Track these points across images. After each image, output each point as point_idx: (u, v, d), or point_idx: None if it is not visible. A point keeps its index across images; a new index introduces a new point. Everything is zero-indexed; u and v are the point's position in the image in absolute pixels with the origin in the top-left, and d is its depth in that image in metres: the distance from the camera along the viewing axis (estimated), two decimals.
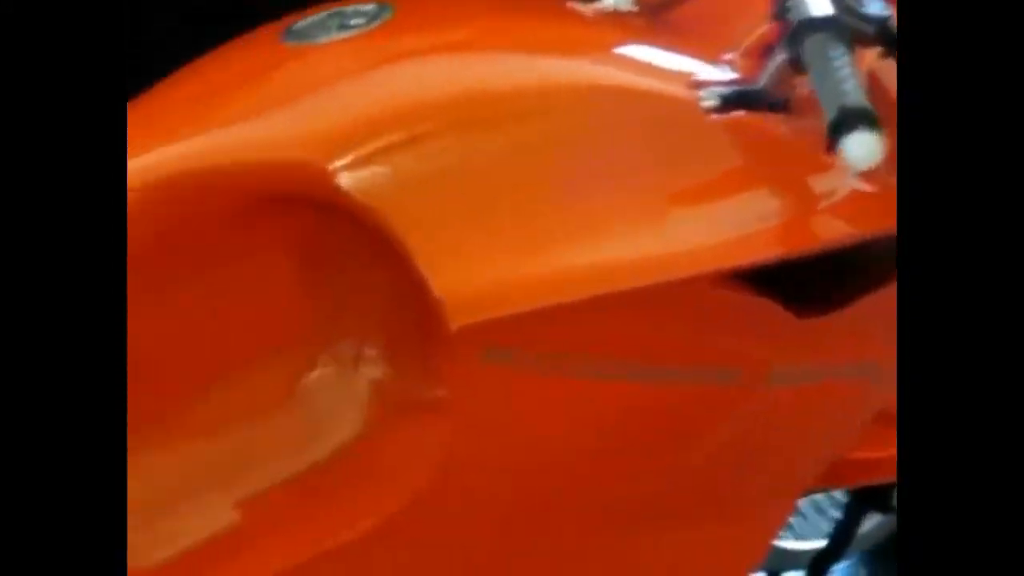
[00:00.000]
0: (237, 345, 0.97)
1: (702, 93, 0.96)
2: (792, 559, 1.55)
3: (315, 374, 0.97)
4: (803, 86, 0.96)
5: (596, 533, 1.00)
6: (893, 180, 0.82)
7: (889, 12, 0.96)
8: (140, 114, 1.00)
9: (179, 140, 0.96)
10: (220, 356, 0.97)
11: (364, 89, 0.96)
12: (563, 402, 0.93)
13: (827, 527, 1.54)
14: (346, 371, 0.96)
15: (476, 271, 0.88)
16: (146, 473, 0.95)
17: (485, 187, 0.91)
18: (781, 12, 0.96)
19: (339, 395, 0.96)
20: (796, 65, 0.95)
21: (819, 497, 1.64)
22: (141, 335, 0.94)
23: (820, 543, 1.44)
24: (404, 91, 0.95)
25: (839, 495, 1.50)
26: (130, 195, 0.91)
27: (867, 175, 0.94)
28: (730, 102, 0.96)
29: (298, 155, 0.91)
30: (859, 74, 0.93)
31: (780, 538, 1.50)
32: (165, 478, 0.97)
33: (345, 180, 0.89)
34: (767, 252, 0.93)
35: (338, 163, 0.90)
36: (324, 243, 0.96)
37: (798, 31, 0.94)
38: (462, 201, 0.90)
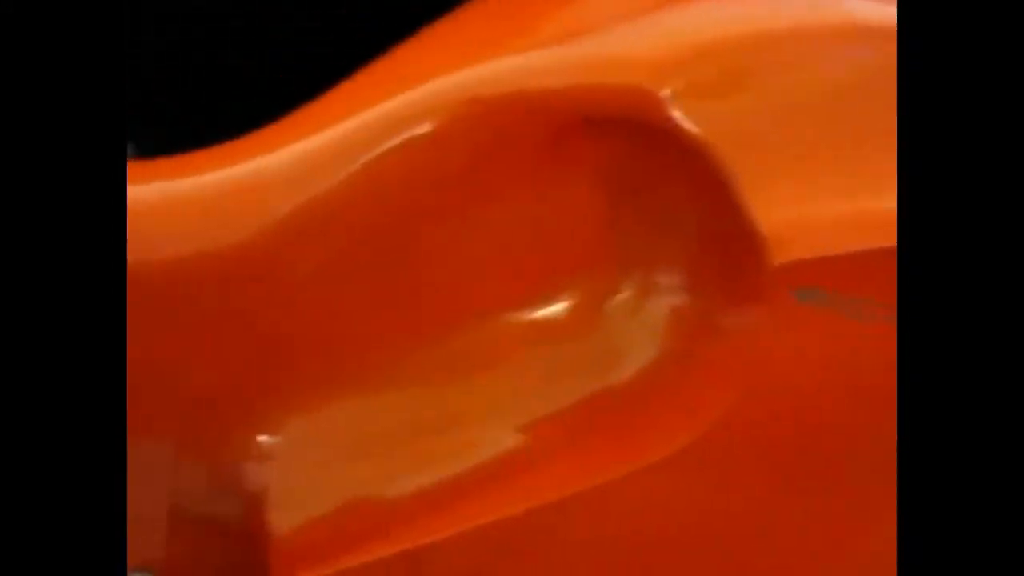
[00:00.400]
0: (536, 269, 0.99)
1: None
2: None
3: (614, 300, 0.98)
4: None
5: (864, 490, 1.00)
6: None
7: None
8: (446, 33, 1.01)
9: (490, 60, 0.97)
10: (519, 280, 0.99)
11: (686, 17, 0.97)
12: (862, 348, 0.94)
13: None
14: (645, 298, 0.98)
15: (799, 210, 0.89)
16: (437, 393, 0.99)
17: (810, 128, 0.92)
18: None
19: (637, 322, 0.97)
20: None
21: None
22: (444, 255, 0.96)
23: None
24: (729, 23, 0.96)
25: None
26: (443, 114, 0.94)
27: None
28: None
29: (630, 80, 0.92)
30: None
31: None
32: (456, 399, 0.99)
33: (677, 108, 0.90)
34: None
35: (669, 90, 0.90)
36: (631, 169, 0.97)
37: None
38: (788, 140, 0.91)
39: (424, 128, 0.95)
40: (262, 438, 1.00)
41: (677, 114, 0.90)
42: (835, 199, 0.90)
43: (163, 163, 0.99)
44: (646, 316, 0.97)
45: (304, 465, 1.00)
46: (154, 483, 1.01)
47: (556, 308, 0.99)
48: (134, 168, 0.98)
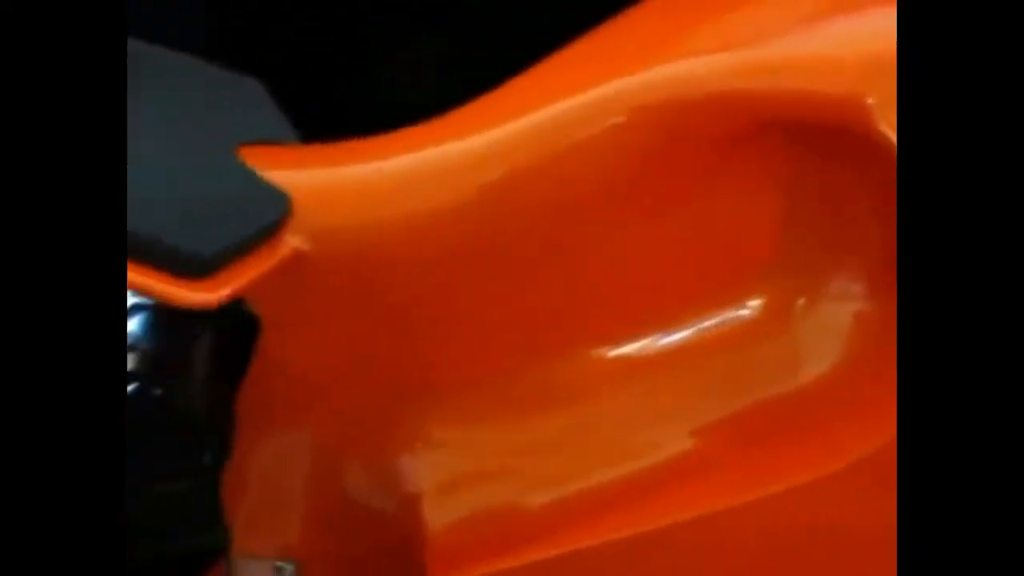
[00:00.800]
0: (713, 274, 0.97)
1: None
2: None
3: (793, 306, 0.95)
4: None
5: None
6: None
7: None
8: (628, 29, 0.99)
9: (682, 59, 0.95)
10: (696, 285, 0.97)
11: (880, 19, 0.94)
12: None
13: None
14: (825, 304, 0.95)
15: None
16: (607, 397, 0.97)
17: None
18: None
19: (817, 328, 0.94)
20: None
21: None
22: (621, 255, 0.95)
23: None
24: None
25: None
26: (629, 113, 0.92)
27: None
28: None
29: (837, 85, 0.89)
30: None
31: None
32: (627, 402, 0.97)
33: (884, 117, 0.87)
34: None
35: (877, 98, 0.88)
36: (816, 174, 0.94)
37: None
38: None
39: (613, 122, 0.93)
40: (421, 436, 0.98)
41: (884, 126, 0.86)
42: None
43: (330, 149, 0.97)
44: (826, 323, 0.94)
45: (459, 465, 0.98)
46: (312, 476, 1.00)
47: (734, 313, 0.96)
48: (301, 153, 0.97)
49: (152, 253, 0.85)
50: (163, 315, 0.93)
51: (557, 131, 0.93)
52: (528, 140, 0.94)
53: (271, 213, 0.89)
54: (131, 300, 0.95)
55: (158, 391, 0.90)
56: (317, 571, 1.01)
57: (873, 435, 0.90)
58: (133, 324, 0.94)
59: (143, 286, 0.85)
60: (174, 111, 0.95)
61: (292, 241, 0.89)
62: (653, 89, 0.93)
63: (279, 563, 1.00)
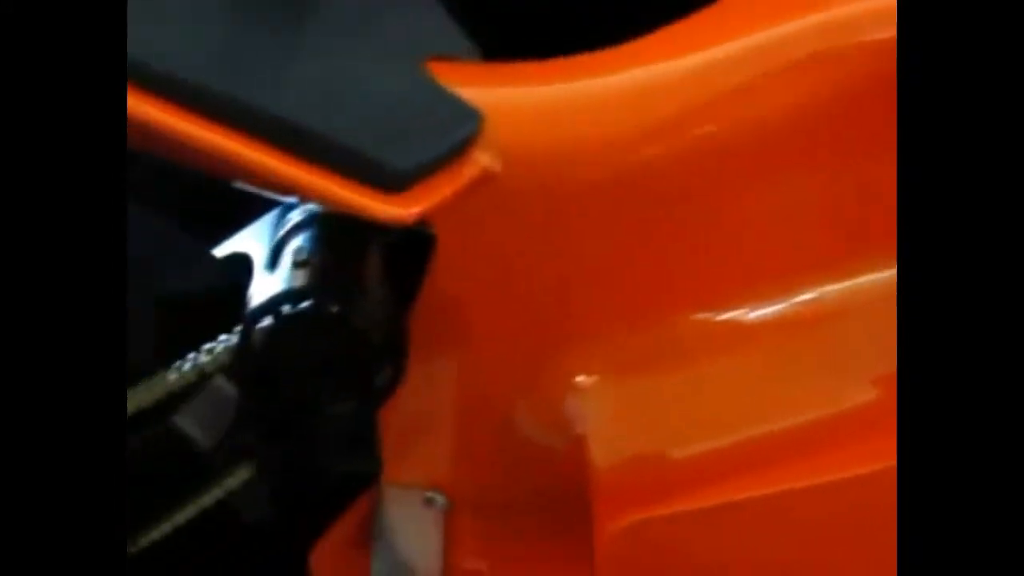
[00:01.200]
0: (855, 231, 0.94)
1: None
2: None
3: None
4: None
5: None
6: None
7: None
8: None
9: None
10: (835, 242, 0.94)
11: None
12: None
13: None
14: None
15: None
16: (770, 347, 0.95)
17: None
18: None
19: None
20: None
21: None
22: (773, 212, 0.93)
23: None
24: None
25: None
26: (818, 52, 0.89)
27: None
28: None
29: None
30: None
31: None
32: (790, 353, 0.95)
33: None
34: None
35: None
36: None
37: None
38: None
39: (809, 53, 0.90)
40: (576, 379, 0.95)
41: None
42: None
43: (516, 68, 0.94)
44: None
45: (619, 410, 0.95)
46: (469, 410, 0.97)
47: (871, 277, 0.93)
48: (487, 70, 0.93)
49: (346, 162, 0.82)
50: (345, 228, 0.90)
51: (759, 55, 0.90)
52: (728, 64, 0.91)
53: (463, 129, 0.86)
54: (310, 208, 0.92)
55: (335, 308, 0.87)
56: (468, 508, 0.99)
57: None
58: (311, 235, 0.91)
59: (334, 195, 0.82)
60: (357, 21, 0.91)
61: (482, 160, 0.86)
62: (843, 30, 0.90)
63: (430, 494, 0.98)
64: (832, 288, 0.95)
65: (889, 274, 0.92)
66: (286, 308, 0.87)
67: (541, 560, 1.00)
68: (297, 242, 0.92)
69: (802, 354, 0.96)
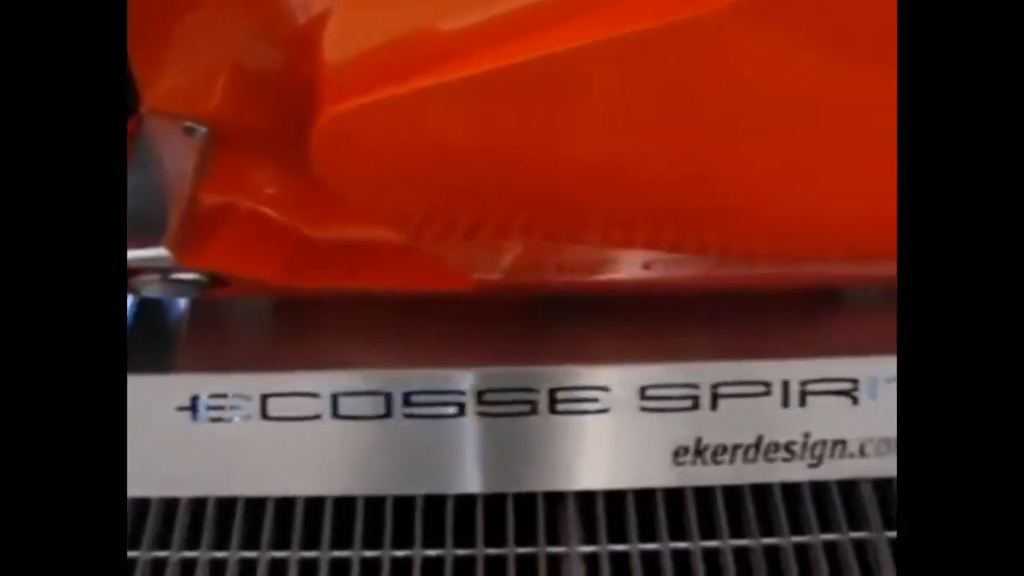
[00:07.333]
0: None
1: None
2: None
3: None
4: None
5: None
6: None
7: None
8: None
9: None
10: None
11: None
12: None
13: None
14: None
15: None
16: None
17: None
18: None
19: None
20: None
21: None
22: None
23: None
24: None
25: None
26: None
27: None
28: None
29: None
30: None
31: None
32: None
33: None
34: None
35: None
36: None
37: None
38: None
39: None
40: None
41: None
42: None
43: None
44: None
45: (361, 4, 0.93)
46: (214, 38, 0.99)
47: None
48: None
49: None
50: None
51: None
52: None
53: None
54: None
55: None
56: (227, 140, 1.00)
57: None
58: None
59: None
60: None
61: None
62: None
63: (189, 123, 1.00)
64: None
65: None
66: None
67: (295, 199, 1.01)
68: None
69: None
